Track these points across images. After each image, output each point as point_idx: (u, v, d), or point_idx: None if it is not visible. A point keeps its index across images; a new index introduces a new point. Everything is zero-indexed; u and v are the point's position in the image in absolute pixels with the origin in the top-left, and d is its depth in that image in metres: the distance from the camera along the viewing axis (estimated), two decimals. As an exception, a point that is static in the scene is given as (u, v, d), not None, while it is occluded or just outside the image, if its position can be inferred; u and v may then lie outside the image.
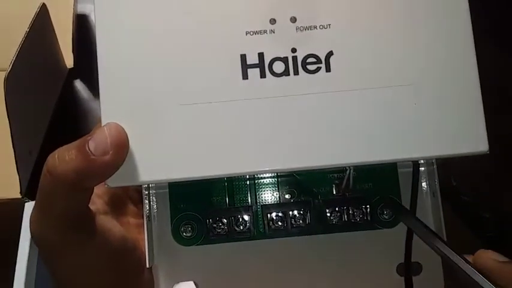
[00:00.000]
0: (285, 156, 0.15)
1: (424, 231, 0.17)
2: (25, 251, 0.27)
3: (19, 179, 0.28)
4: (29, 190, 0.29)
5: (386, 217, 0.20)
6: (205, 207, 0.19)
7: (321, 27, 0.15)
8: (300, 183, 0.19)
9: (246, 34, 0.15)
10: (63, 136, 0.36)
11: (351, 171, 0.18)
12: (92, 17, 0.45)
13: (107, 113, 0.15)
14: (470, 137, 0.15)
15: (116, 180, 0.15)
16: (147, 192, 0.19)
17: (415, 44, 0.15)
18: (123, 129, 0.15)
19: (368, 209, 0.19)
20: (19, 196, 0.28)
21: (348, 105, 0.15)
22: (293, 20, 0.15)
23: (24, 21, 0.32)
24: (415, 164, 0.19)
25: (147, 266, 0.19)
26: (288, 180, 0.19)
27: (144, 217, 0.20)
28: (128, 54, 0.15)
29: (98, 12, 0.16)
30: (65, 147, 0.15)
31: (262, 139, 0.15)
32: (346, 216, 0.19)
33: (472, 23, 0.17)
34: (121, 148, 0.15)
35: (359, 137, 0.15)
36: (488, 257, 0.16)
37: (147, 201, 0.19)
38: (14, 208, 0.28)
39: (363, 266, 0.20)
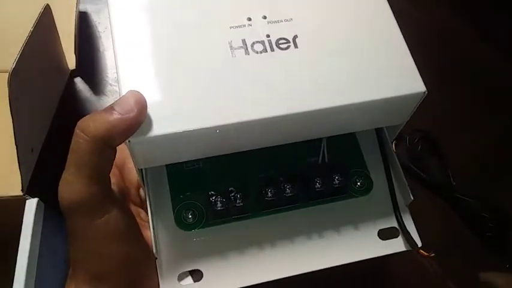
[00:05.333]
0: (269, 102, 0.19)
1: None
2: (26, 248, 0.27)
3: (21, 176, 0.28)
4: (30, 187, 0.29)
5: (360, 184, 0.23)
6: (204, 192, 0.22)
7: (285, 20, 0.21)
8: (283, 159, 0.23)
9: (230, 28, 0.20)
10: (65, 136, 0.36)
11: (325, 142, 0.23)
12: (94, 18, 0.45)
13: (125, 85, 0.19)
14: (408, 82, 0.20)
15: (137, 135, 0.18)
16: (147, 189, 0.22)
17: (353, 24, 0.21)
18: (141, 93, 0.18)
19: (343, 176, 0.22)
20: (20, 193, 0.28)
21: (313, 65, 0.20)
22: (264, 17, 0.21)
23: (29, 21, 0.32)
24: (378, 132, 0.24)
25: (155, 256, 0.21)
26: (274, 158, 0.23)
27: (149, 211, 0.21)
28: (144, 43, 0.20)
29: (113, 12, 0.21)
30: (91, 114, 0.18)
31: (250, 94, 0.19)
32: (327, 183, 0.22)
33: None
34: (143, 107, 0.18)
35: (322, 86, 0.19)
36: None
37: (148, 194, 0.22)
38: (15, 205, 0.28)
39: (348, 233, 0.22)
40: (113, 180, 0.21)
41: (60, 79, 0.40)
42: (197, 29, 0.20)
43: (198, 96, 0.19)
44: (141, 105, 0.18)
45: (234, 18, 0.21)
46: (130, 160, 0.24)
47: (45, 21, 0.34)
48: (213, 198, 0.21)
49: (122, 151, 0.21)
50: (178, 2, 0.21)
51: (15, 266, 0.27)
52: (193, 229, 0.21)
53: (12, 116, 0.27)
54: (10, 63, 0.28)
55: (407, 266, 0.35)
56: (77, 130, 0.18)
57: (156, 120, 0.18)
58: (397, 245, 0.22)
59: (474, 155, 0.40)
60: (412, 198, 0.23)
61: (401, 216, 0.22)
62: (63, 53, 0.40)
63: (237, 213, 0.22)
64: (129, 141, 0.18)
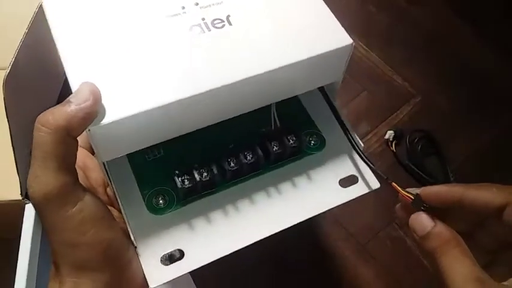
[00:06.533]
0: (208, 75, 0.20)
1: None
2: (26, 252, 0.27)
3: (19, 181, 0.28)
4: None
5: (313, 142, 0.25)
6: (170, 176, 0.23)
7: (216, 4, 0.23)
8: (239, 133, 0.24)
9: (167, 17, 0.22)
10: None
11: (274, 107, 0.24)
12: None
13: (75, 78, 0.20)
14: (336, 38, 0.22)
15: (95, 123, 0.19)
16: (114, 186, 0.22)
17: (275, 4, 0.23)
18: (94, 83, 0.19)
19: (296, 136, 0.24)
20: (19, 198, 0.28)
21: (249, 37, 0.22)
22: (196, 4, 0.23)
23: (24, 20, 0.31)
24: (322, 91, 0.25)
25: (135, 245, 0.21)
26: (230, 133, 0.24)
27: (120, 204, 0.22)
28: (84, 38, 0.21)
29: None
30: (50, 108, 0.18)
31: (197, 69, 0.20)
32: (283, 145, 0.24)
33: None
34: (97, 95, 0.19)
35: (257, 54, 0.21)
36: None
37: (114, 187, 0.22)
38: (14, 210, 0.28)
39: (312, 188, 0.24)
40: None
41: (57, 79, 0.40)
42: (136, 20, 0.22)
43: (147, 79, 0.20)
44: (96, 94, 0.19)
45: (169, 8, 0.22)
46: (91, 160, 0.23)
47: (41, 21, 0.34)
48: (180, 178, 0.22)
49: (81, 152, 0.21)
50: None
51: (15, 271, 0.27)
52: (166, 212, 0.22)
53: (8, 120, 0.27)
54: (4, 60, 0.27)
55: (410, 268, 0.36)
56: (37, 125, 0.18)
57: (111, 107, 0.19)
58: (358, 190, 0.24)
59: (474, 155, 0.40)
60: (362, 144, 0.25)
61: (365, 155, 0.24)
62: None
63: (205, 188, 0.23)
64: (89, 130, 0.19)
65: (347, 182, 0.24)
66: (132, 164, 0.24)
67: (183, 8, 0.22)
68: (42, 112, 0.19)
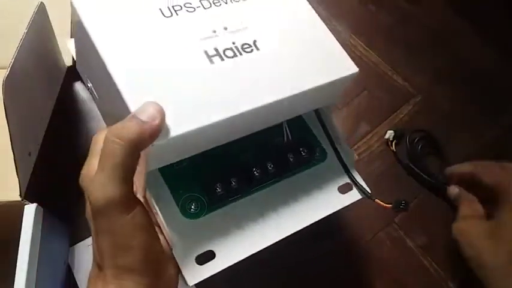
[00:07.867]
0: (248, 96, 0.23)
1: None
2: (25, 254, 0.27)
3: (19, 182, 0.28)
4: (29, 190, 0.29)
5: (318, 154, 0.29)
6: (198, 183, 0.26)
7: (243, 28, 0.25)
8: (257, 144, 0.28)
9: (200, 40, 0.24)
10: (62, 137, 0.36)
11: (285, 124, 0.28)
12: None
13: (132, 98, 0.21)
14: (344, 66, 0.26)
15: (160, 138, 0.21)
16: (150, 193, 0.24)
17: (292, 26, 0.27)
18: (158, 103, 0.21)
19: (308, 148, 0.28)
20: (19, 199, 0.28)
21: (275, 62, 0.25)
22: (225, 28, 0.25)
23: (24, 19, 0.31)
24: (317, 112, 0.29)
25: (171, 247, 0.23)
26: (246, 143, 0.27)
27: (157, 209, 0.24)
28: (133, 60, 0.23)
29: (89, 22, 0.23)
30: (120, 122, 0.20)
31: (238, 90, 0.23)
32: (297, 156, 0.28)
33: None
34: (163, 114, 0.21)
35: (284, 78, 0.24)
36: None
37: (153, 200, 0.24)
38: (13, 211, 0.28)
39: (318, 194, 0.28)
40: None
41: (56, 78, 0.39)
42: (173, 43, 0.24)
43: (196, 99, 0.22)
44: (162, 113, 0.21)
45: (201, 31, 0.24)
46: None
47: (40, 20, 0.34)
48: (213, 185, 0.26)
49: None
50: (149, 23, 0.24)
51: (14, 273, 0.27)
52: (199, 217, 0.25)
53: (7, 120, 0.27)
54: (4, 59, 0.27)
55: (410, 268, 0.36)
56: (111, 137, 0.20)
57: (170, 123, 0.21)
58: (354, 196, 0.28)
59: (474, 155, 0.40)
60: (356, 157, 0.29)
61: (351, 173, 0.29)
62: (59, 51, 0.39)
63: (232, 195, 0.26)
64: (153, 145, 0.21)
65: (345, 188, 0.28)
66: (163, 174, 0.26)
67: (215, 31, 0.24)
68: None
